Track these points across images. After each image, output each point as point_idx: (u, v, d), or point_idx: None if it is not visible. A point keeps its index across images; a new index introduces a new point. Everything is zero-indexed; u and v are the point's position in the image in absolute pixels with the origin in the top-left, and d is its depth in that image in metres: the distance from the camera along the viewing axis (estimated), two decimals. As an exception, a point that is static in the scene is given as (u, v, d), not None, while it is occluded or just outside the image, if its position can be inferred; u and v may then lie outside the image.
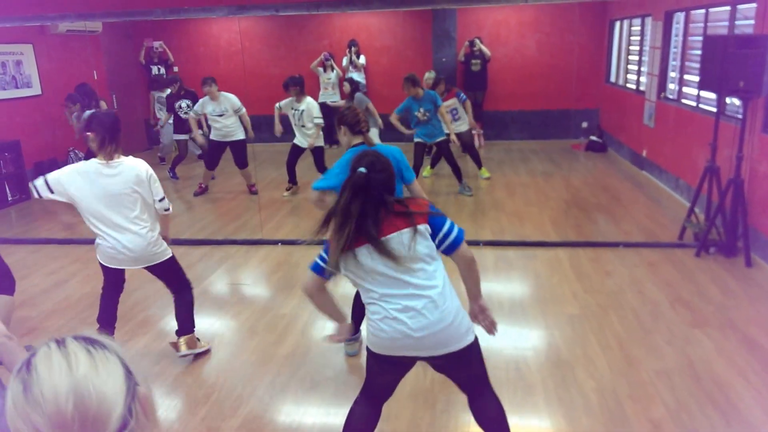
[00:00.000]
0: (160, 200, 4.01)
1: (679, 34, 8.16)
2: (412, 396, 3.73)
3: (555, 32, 11.74)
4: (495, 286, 5.33)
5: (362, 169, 2.61)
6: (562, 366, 4.05)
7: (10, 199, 8.60)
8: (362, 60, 11.65)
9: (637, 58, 10.02)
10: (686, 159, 7.55)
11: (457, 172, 8.26)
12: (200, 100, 8.51)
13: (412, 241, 2.55)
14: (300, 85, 8.16)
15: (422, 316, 2.57)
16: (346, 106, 4.11)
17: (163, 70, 11.68)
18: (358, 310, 4.20)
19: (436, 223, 2.63)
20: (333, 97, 11.45)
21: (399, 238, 2.55)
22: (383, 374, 2.84)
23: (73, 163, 10.04)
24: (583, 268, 5.66)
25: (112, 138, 3.83)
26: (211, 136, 8.62)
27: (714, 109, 6.19)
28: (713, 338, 4.31)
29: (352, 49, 11.53)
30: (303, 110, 8.17)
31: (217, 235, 6.88)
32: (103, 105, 8.74)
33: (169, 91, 9.88)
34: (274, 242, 6.54)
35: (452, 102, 8.68)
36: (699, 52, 6.84)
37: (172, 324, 4.82)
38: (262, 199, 8.26)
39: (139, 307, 5.12)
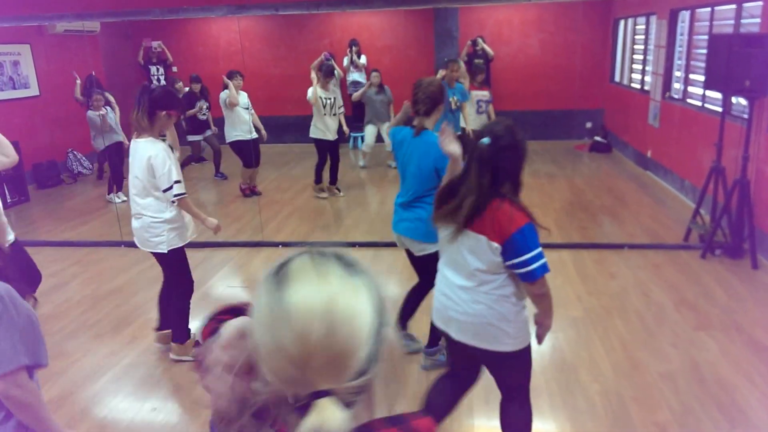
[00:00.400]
0: (165, 190, 3.84)
1: (684, 32, 8.10)
2: (413, 398, 3.68)
3: (558, 31, 11.67)
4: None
5: (485, 140, 2.46)
6: (566, 369, 4.01)
7: (9, 200, 8.56)
8: (363, 60, 11.59)
9: (641, 57, 9.95)
10: (691, 159, 7.49)
11: None
12: (225, 93, 8.17)
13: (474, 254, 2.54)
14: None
15: (463, 305, 2.60)
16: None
17: (162, 71, 11.63)
18: (409, 307, 4.14)
19: (512, 248, 2.43)
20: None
21: (475, 240, 2.52)
22: (452, 349, 2.90)
23: (72, 165, 10.05)
24: (587, 270, 5.60)
25: (139, 112, 3.84)
26: (237, 136, 8.28)
27: (719, 109, 6.13)
28: (718, 341, 4.26)
29: (353, 48, 11.46)
30: (335, 98, 8.11)
31: (218, 237, 6.82)
32: (110, 97, 8.69)
33: (187, 89, 9.55)
34: (275, 244, 6.49)
35: (488, 93, 8.52)
36: (704, 51, 6.79)
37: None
38: (262, 201, 8.20)
39: (140, 310, 5.08)
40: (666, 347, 4.21)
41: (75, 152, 10.12)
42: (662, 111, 8.59)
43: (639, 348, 4.21)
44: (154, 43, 11.63)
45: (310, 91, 7.88)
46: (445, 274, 2.71)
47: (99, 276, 5.85)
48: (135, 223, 4.01)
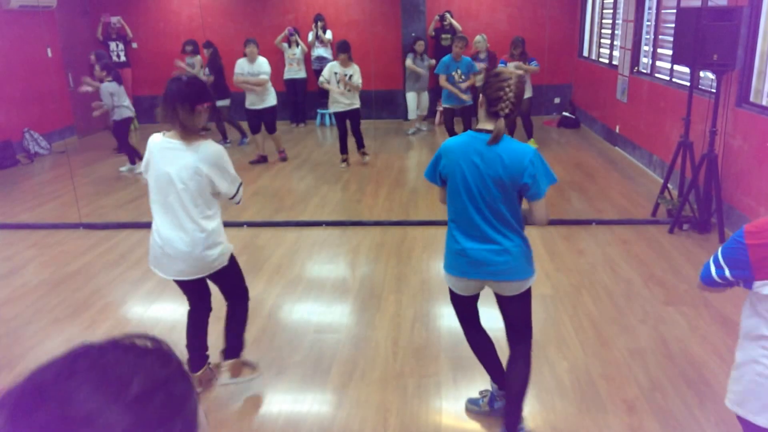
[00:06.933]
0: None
1: (653, 6, 8.07)
2: (381, 380, 3.62)
3: (527, 5, 11.59)
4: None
5: None
6: (535, 347, 3.94)
7: (-36, 181, 8.27)
8: (329, 35, 11.39)
9: (609, 31, 9.93)
10: (660, 134, 7.49)
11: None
12: (238, 62, 8.49)
13: None
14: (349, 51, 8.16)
15: None
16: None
17: (121, 47, 11.33)
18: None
19: None
20: (299, 74, 11.25)
21: None
22: None
23: (28, 144, 9.69)
24: (555, 247, 5.57)
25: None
26: (247, 104, 8.59)
27: (687, 83, 6.11)
28: (687, 316, 4.26)
29: (318, 23, 11.27)
30: (351, 74, 8.09)
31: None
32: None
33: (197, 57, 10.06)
34: (239, 224, 6.35)
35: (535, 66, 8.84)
36: (672, 25, 6.75)
37: (134, 311, 4.65)
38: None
39: (98, 294, 4.93)
40: (635, 323, 4.21)
41: (32, 132, 9.80)
42: (630, 86, 8.58)
43: (608, 325, 4.19)
44: (113, 19, 11.32)
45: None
46: None
47: (56, 259, 5.66)
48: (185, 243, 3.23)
